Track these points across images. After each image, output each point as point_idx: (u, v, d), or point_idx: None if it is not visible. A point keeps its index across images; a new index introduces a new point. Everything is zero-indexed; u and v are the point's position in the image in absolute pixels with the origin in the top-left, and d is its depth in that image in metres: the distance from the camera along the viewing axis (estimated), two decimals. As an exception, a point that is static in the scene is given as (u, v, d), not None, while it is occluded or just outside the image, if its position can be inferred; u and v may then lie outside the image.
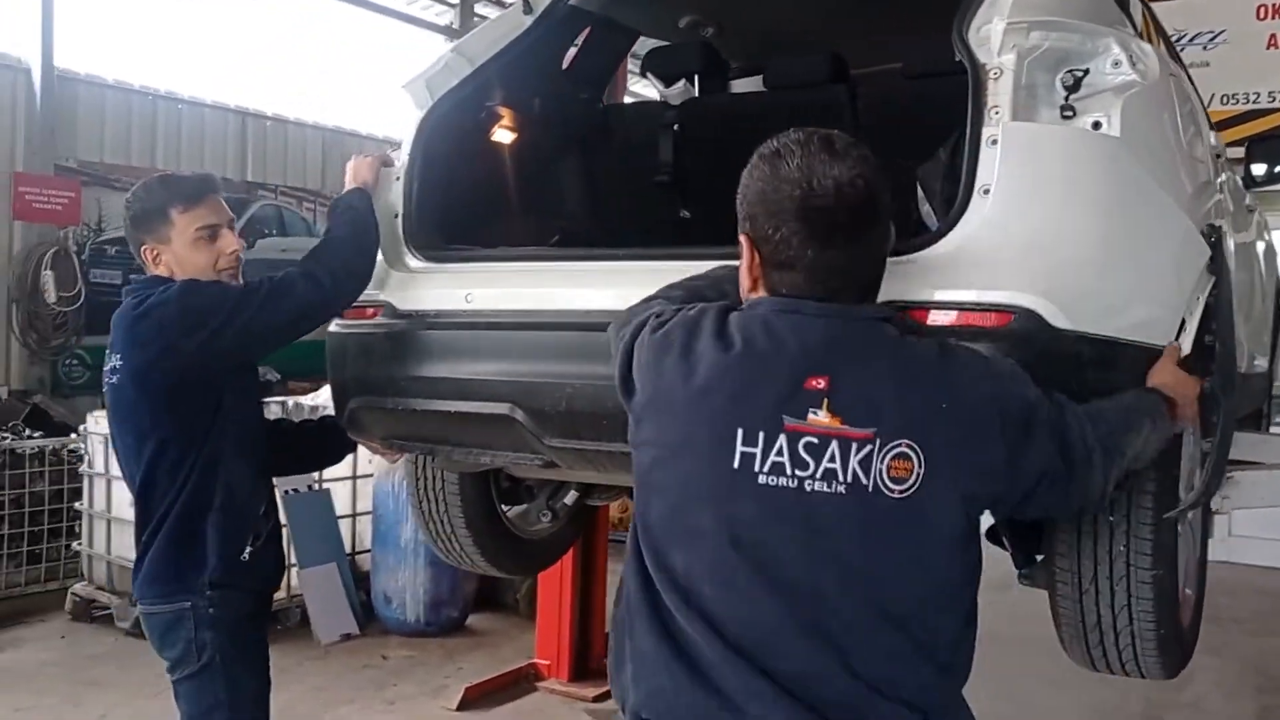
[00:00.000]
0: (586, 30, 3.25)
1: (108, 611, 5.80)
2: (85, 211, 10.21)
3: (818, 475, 1.50)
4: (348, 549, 6.05)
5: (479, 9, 11.51)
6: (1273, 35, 6.98)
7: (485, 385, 2.38)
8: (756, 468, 1.52)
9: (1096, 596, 2.21)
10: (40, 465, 6.38)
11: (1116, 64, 2.01)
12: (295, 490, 5.57)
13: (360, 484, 6.16)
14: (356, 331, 2.61)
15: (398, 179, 2.70)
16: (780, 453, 1.52)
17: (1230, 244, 2.91)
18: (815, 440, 1.51)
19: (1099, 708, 4.88)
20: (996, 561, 2.53)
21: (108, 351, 2.51)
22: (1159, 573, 2.15)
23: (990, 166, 1.95)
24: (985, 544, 2.68)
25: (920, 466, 1.49)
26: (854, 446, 1.49)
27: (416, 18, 11.56)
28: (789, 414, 1.51)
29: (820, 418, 1.50)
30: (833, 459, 1.49)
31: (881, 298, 1.74)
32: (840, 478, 1.50)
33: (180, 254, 2.49)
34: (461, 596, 5.93)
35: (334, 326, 2.67)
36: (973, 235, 1.93)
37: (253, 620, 2.57)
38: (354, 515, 6.18)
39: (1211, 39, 7.02)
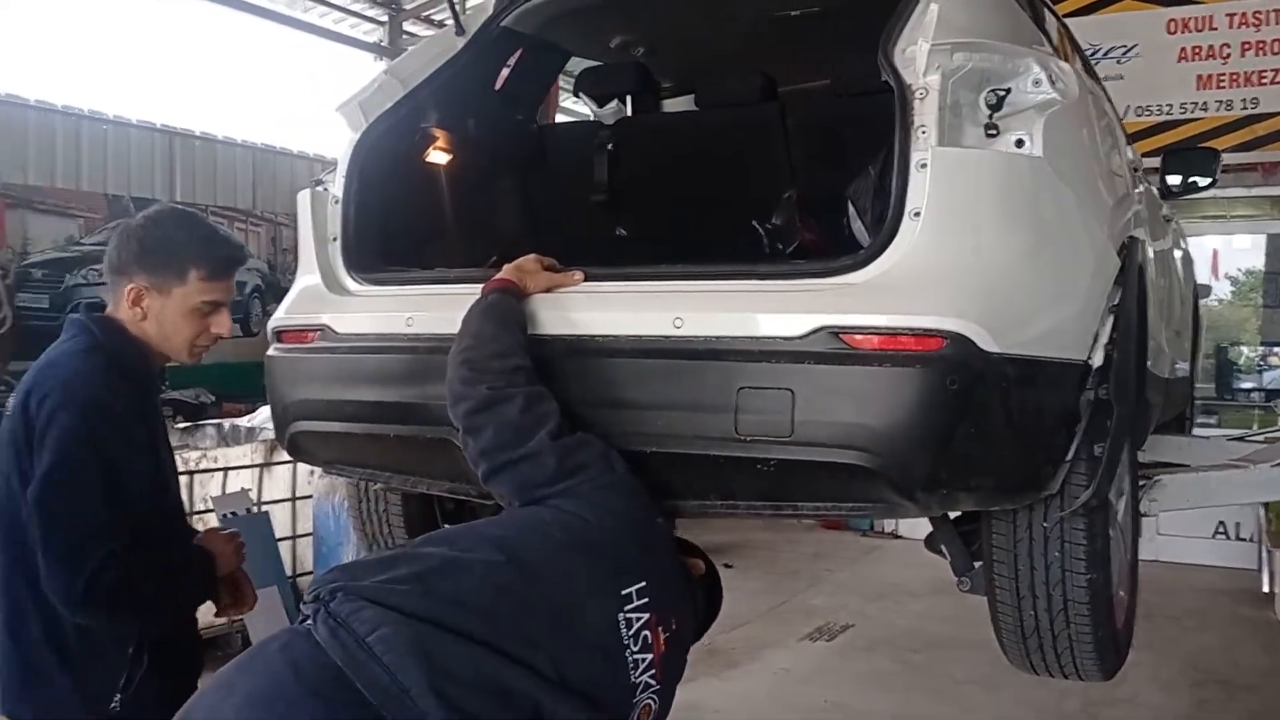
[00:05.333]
0: (519, 52, 3.25)
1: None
2: (9, 234, 9.94)
3: None
4: (289, 571, 5.95)
5: (408, 27, 11.43)
6: (1182, 49, 7.19)
7: (426, 410, 2.35)
8: None
9: (1034, 601, 2.25)
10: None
11: (1037, 83, 2.04)
12: (234, 513, 5.47)
13: (300, 505, 6.07)
14: (296, 355, 2.58)
15: (335, 202, 2.67)
16: None
17: (1149, 253, 3.00)
18: None
19: (1038, 707, 4.97)
20: (937, 567, 2.56)
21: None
22: (1093, 576, 2.20)
23: (920, 190, 1.98)
24: (922, 551, 2.74)
25: None
26: None
27: (345, 35, 11.42)
28: None
29: None
30: None
31: (811, 319, 1.75)
32: None
33: (169, 315, 2.18)
34: (406, 617, 5.85)
35: (273, 350, 2.64)
36: (903, 258, 1.95)
37: None
38: (294, 537, 6.07)
39: (1125, 53, 7.21)
